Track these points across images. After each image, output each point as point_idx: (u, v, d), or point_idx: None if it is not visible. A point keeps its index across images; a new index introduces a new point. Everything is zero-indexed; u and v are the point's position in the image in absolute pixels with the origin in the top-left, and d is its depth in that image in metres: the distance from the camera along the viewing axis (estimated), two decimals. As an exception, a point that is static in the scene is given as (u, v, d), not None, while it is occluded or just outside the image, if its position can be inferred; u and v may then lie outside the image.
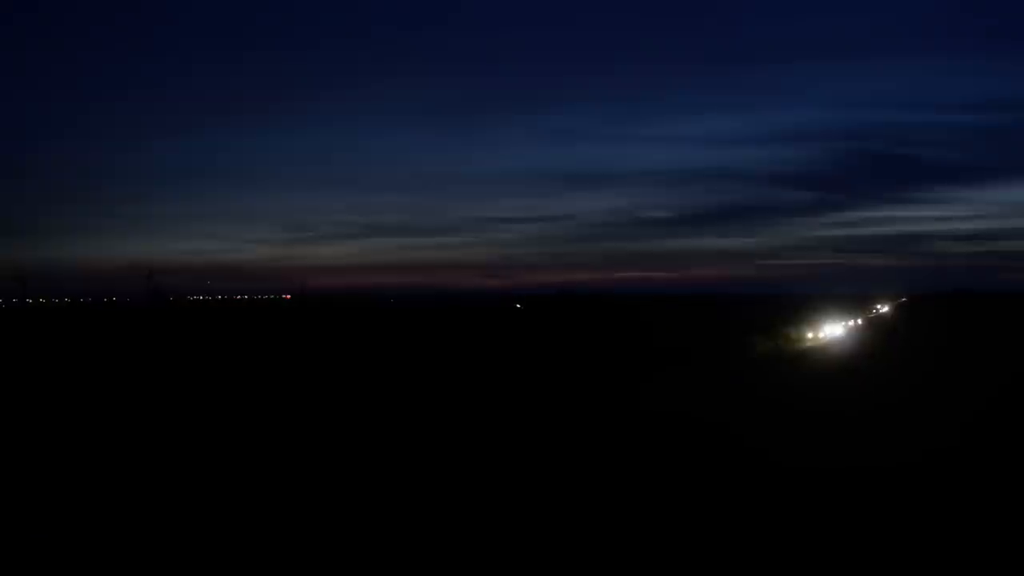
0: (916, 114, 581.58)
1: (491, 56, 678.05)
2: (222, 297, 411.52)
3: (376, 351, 76.02)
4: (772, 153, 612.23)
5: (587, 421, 33.39)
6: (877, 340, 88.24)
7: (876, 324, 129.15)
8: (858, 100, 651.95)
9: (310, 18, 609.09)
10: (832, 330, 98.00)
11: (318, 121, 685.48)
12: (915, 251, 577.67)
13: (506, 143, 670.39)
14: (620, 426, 31.99)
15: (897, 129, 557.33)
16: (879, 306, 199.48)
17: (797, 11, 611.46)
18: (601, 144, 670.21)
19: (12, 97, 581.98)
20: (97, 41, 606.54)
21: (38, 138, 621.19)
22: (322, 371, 56.24)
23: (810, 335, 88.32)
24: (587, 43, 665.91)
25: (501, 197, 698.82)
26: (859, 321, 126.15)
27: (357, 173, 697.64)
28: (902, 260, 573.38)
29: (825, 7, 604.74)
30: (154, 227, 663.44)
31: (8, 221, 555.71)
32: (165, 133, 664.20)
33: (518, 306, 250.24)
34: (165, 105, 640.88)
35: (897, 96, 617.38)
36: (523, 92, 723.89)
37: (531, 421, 33.30)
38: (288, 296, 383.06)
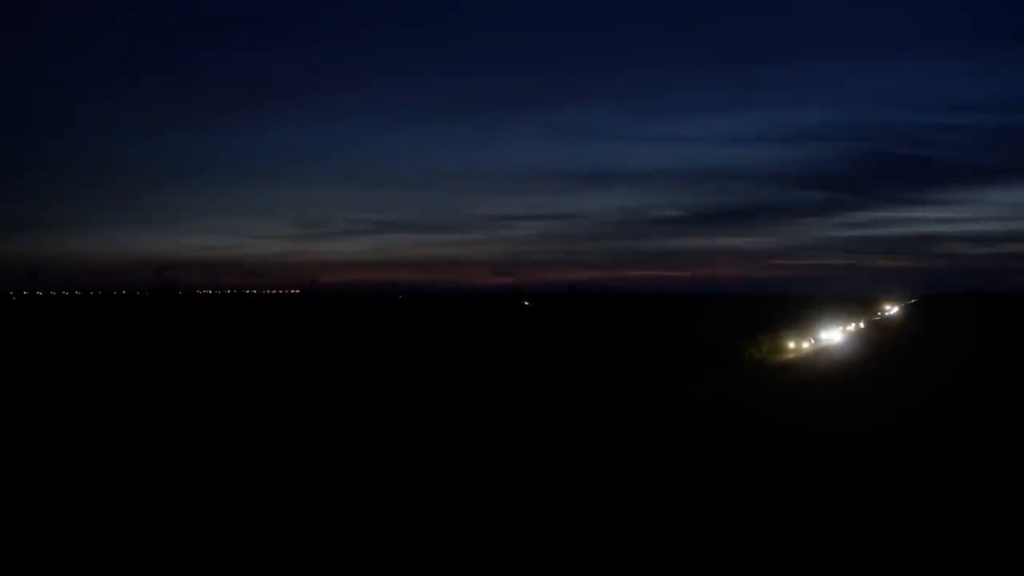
0: (929, 115, 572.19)
1: (502, 54, 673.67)
2: (231, 292, 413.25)
3: (368, 347, 76.64)
4: (783, 153, 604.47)
5: (525, 422, 33.59)
6: (875, 346, 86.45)
7: (880, 328, 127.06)
8: (870, 100, 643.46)
9: (322, 13, 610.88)
10: (829, 335, 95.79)
11: (330, 117, 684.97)
12: (927, 252, 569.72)
13: (517, 141, 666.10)
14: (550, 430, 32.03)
15: (910, 130, 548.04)
16: (887, 308, 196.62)
17: (809, 10, 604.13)
18: (612, 142, 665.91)
19: (23, 92, 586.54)
20: (109, 33, 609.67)
21: (48, 133, 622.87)
22: (308, 365, 58.84)
23: (793, 344, 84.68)
24: (598, 41, 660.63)
25: (512, 195, 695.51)
26: (861, 325, 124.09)
27: (368, 169, 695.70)
28: (914, 261, 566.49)
29: (838, 6, 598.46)
30: (165, 221, 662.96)
31: (19, 215, 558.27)
32: (176, 127, 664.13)
33: (526, 304, 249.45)
34: (176, 99, 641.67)
35: (910, 96, 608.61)
36: (534, 90, 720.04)
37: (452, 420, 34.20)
38: (297, 291, 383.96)
